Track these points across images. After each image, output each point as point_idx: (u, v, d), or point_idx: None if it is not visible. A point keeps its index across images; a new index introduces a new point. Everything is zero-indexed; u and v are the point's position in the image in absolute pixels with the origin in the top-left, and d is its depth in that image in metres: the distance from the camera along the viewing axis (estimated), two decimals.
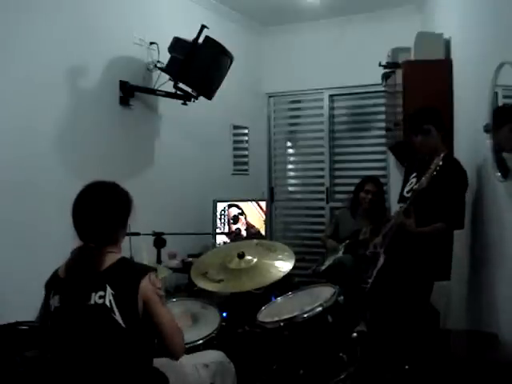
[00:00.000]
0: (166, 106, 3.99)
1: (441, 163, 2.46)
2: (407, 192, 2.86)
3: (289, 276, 2.79)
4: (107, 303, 1.70)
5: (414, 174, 2.87)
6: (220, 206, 4.44)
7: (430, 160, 2.60)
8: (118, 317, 1.70)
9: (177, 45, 3.54)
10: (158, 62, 3.76)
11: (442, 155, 2.52)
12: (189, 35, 3.50)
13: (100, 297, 1.71)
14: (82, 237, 1.79)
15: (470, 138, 2.96)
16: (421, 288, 2.74)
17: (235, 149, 5.13)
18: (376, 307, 2.84)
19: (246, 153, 5.31)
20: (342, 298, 2.45)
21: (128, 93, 3.66)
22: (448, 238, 2.77)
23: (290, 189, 5.76)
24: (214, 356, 2.16)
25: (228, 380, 2.13)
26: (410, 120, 3.01)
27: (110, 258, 1.78)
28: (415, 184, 2.78)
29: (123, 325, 1.70)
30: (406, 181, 2.97)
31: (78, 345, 1.72)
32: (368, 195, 4.18)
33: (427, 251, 2.69)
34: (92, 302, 1.71)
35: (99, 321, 1.71)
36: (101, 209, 1.79)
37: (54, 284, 1.81)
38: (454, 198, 2.65)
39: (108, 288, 1.71)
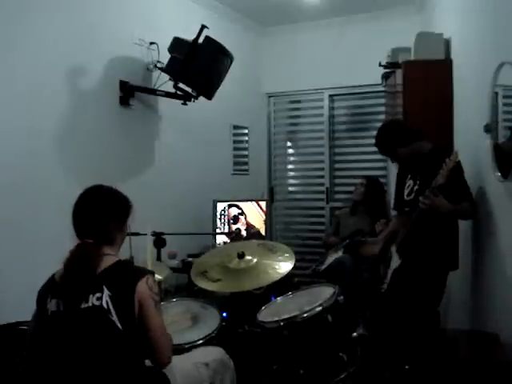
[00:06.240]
0: (166, 106, 3.99)
1: (455, 163, 2.44)
2: (407, 195, 2.85)
3: (289, 276, 2.78)
4: (104, 305, 1.70)
5: (409, 176, 2.86)
6: (220, 206, 4.44)
7: (427, 160, 2.60)
8: (114, 318, 1.69)
9: (177, 45, 3.55)
10: (158, 61, 3.76)
11: (451, 157, 2.44)
12: (189, 35, 3.50)
13: (97, 298, 1.70)
14: (79, 233, 1.80)
15: (470, 138, 2.96)
16: (437, 282, 2.71)
17: (235, 149, 5.13)
18: (387, 307, 2.83)
19: (246, 153, 5.32)
20: (341, 297, 2.44)
21: (128, 93, 3.66)
22: (454, 227, 2.75)
23: (290, 189, 5.77)
24: (213, 354, 2.15)
25: (227, 378, 2.12)
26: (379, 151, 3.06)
27: (108, 260, 1.78)
28: (415, 185, 2.77)
29: (120, 326, 1.70)
30: (401, 185, 2.93)
31: (76, 347, 1.71)
32: (358, 187, 4.35)
33: (438, 243, 2.67)
34: (90, 303, 1.70)
35: (96, 322, 1.70)
36: (98, 204, 1.82)
37: (50, 289, 1.80)
38: (466, 185, 2.64)
39: (105, 289, 1.71)
